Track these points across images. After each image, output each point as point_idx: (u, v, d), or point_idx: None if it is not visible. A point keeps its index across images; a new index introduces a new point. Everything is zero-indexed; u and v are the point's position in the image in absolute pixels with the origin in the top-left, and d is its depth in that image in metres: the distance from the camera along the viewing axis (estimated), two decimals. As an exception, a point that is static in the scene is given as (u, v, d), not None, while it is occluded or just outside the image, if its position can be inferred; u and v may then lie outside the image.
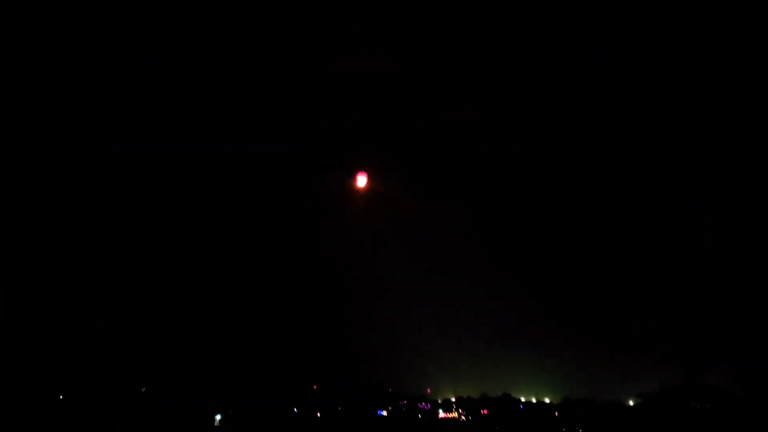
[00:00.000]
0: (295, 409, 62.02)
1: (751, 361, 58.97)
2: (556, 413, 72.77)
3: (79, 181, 61.41)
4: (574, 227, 75.41)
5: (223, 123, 66.18)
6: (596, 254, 74.36)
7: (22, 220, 56.11)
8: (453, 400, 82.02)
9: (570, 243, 77.41)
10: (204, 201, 65.87)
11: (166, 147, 62.81)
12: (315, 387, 70.19)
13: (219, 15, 61.97)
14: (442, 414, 78.16)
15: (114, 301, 57.85)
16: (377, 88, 70.12)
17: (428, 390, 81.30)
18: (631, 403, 68.90)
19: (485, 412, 75.78)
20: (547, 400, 78.91)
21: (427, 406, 79.79)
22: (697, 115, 63.99)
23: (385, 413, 69.96)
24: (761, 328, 52.70)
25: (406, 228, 79.33)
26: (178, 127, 64.55)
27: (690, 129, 65.60)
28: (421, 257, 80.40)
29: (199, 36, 62.31)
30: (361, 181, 60.77)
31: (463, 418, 75.98)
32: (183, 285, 63.18)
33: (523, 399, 79.65)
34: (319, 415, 62.43)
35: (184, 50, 62.52)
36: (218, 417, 52.73)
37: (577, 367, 75.42)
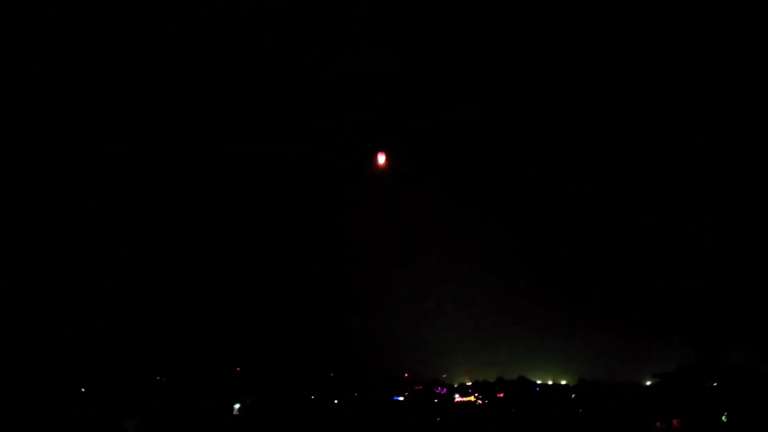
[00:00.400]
0: (312, 397, 61.90)
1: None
2: (573, 395, 72.05)
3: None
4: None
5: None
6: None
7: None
8: (469, 384, 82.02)
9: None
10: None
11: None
12: (331, 374, 70.32)
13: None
14: (458, 398, 78.00)
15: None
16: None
17: (443, 375, 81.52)
18: (647, 383, 68.23)
19: (501, 395, 75.58)
20: (563, 382, 78.66)
21: (443, 390, 79.87)
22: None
23: (401, 398, 69.93)
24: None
25: (420, 208, 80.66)
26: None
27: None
28: (436, 240, 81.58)
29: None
30: (381, 159, 62.29)
31: (479, 401, 75.78)
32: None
33: (539, 381, 79.49)
34: (336, 401, 62.22)
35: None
36: (237, 406, 52.76)
37: (593, 349, 75.54)
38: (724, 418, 48.70)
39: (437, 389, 78.19)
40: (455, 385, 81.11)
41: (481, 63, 67.99)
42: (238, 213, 66.12)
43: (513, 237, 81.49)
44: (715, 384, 54.80)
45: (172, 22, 58.88)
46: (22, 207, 56.26)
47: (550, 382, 78.72)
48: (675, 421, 52.43)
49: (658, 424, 53.63)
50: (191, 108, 64.57)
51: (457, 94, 71.73)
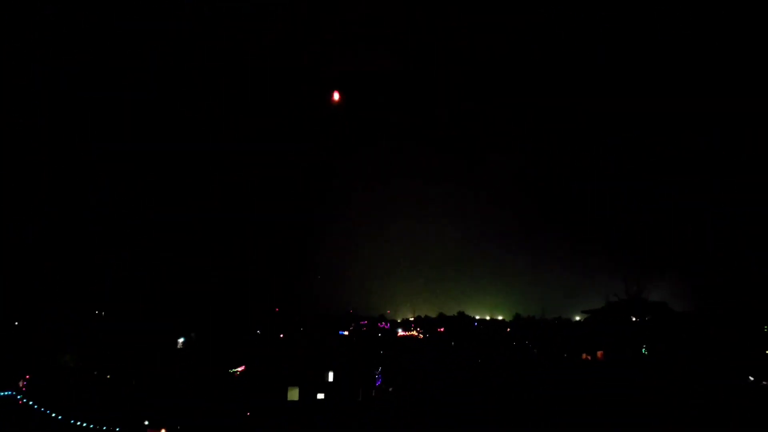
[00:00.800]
0: (258, 331, 61.39)
1: (689, 278, 60.64)
2: (508, 329, 74.14)
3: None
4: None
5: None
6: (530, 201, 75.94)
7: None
8: (411, 319, 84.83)
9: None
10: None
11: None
12: (277, 309, 70.26)
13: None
14: (400, 332, 79.75)
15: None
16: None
17: (388, 311, 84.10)
18: (577, 318, 70.35)
19: (442, 329, 77.60)
20: (499, 318, 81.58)
21: (386, 325, 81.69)
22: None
23: (346, 333, 70.47)
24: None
25: (376, 159, 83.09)
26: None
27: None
28: (387, 191, 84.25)
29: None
30: (335, 96, 66.20)
31: (420, 335, 77.59)
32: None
33: (477, 317, 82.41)
34: (281, 336, 61.68)
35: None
36: (181, 340, 52.21)
37: (528, 287, 79.84)
38: (643, 350, 50.68)
39: (381, 324, 79.96)
40: (398, 320, 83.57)
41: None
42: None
43: (460, 188, 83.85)
44: (637, 320, 56.44)
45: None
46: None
47: (487, 318, 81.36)
48: (599, 353, 54.32)
49: (584, 355, 55.53)
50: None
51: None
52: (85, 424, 33.28)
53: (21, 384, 34.01)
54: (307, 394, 42.16)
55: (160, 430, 34.23)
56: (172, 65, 61.20)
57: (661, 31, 62.88)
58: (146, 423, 35.04)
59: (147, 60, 59.59)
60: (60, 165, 60.92)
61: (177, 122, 63.42)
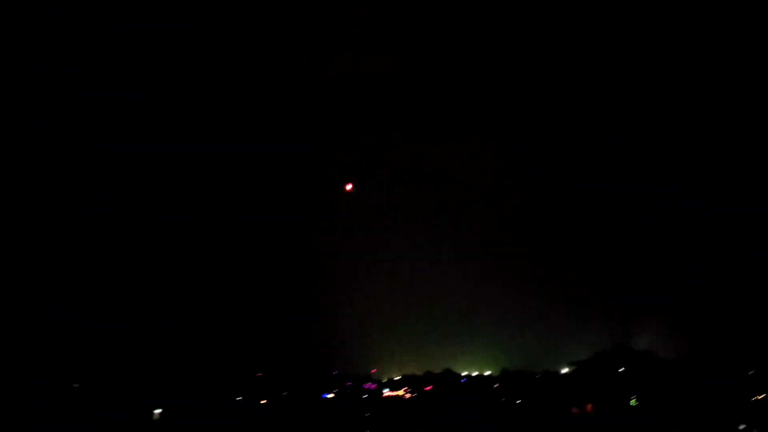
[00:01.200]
0: (239, 398, 61.16)
1: (671, 327, 61.31)
2: (496, 385, 74.77)
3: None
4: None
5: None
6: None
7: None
8: (397, 378, 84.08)
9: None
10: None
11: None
12: (260, 374, 69.83)
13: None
14: (387, 392, 79.26)
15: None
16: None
17: (373, 371, 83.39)
18: (565, 370, 70.67)
19: (429, 387, 77.34)
20: (487, 373, 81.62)
21: (372, 386, 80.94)
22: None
23: (330, 395, 70.11)
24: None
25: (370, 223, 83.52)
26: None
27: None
28: (371, 245, 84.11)
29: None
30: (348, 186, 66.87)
31: (407, 395, 77.33)
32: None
33: (464, 373, 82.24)
34: (263, 402, 61.63)
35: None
36: (157, 411, 52.07)
37: (514, 340, 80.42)
38: (633, 402, 51.09)
39: (366, 385, 79.35)
40: (384, 380, 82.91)
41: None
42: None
43: (446, 237, 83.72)
44: (623, 370, 56.94)
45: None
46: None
47: (474, 374, 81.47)
48: (589, 406, 54.68)
49: (574, 409, 55.79)
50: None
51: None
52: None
53: None
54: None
55: None
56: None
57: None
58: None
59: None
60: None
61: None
